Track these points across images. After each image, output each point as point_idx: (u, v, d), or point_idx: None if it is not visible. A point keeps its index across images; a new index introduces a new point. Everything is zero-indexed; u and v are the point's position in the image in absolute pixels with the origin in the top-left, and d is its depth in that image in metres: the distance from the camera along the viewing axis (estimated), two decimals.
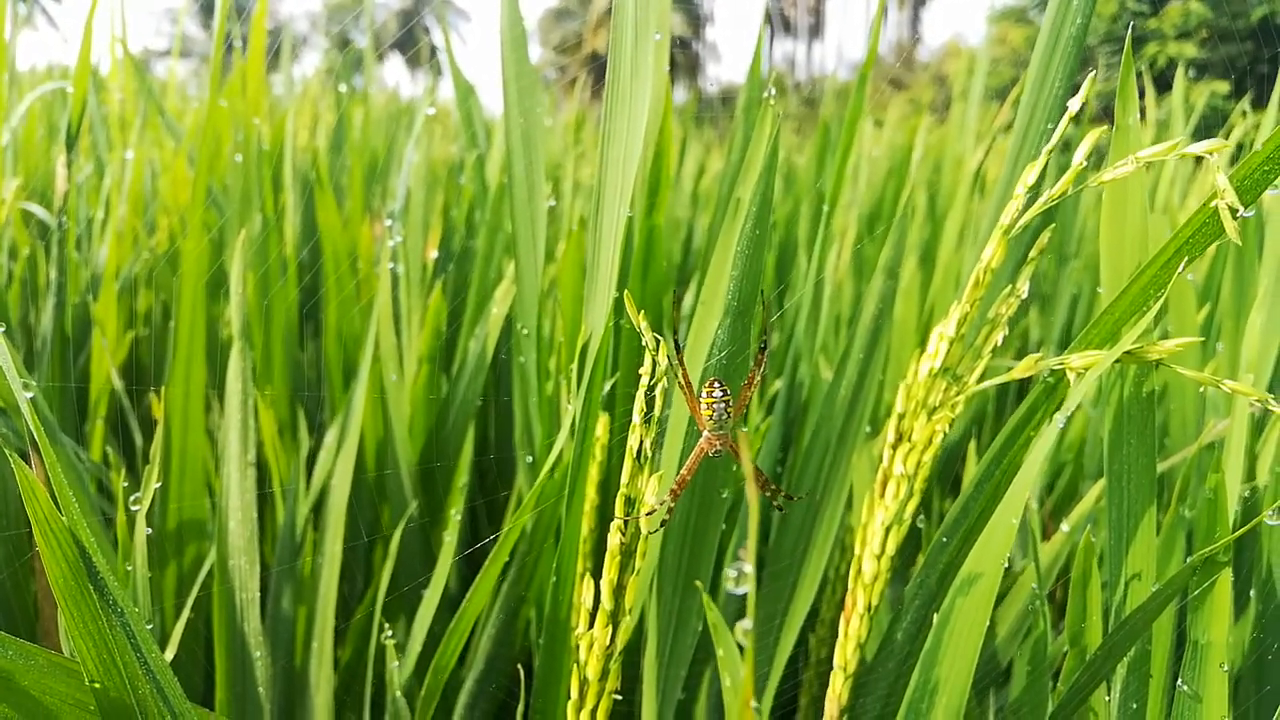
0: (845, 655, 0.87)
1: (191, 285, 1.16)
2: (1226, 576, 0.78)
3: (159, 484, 1.25)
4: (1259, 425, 1.42)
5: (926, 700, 0.79)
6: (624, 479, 0.73)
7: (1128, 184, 0.81)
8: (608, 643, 0.76)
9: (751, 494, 0.36)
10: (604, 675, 0.77)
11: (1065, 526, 1.19)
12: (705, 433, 0.68)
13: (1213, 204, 0.68)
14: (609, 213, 0.80)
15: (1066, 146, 1.48)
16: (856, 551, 0.85)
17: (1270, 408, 0.68)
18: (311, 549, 1.28)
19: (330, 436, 1.41)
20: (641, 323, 0.67)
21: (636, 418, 0.71)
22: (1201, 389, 1.29)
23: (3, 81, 1.71)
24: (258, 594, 1.06)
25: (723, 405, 0.66)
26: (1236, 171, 0.69)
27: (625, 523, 0.73)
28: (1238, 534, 0.76)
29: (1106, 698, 0.89)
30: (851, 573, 0.86)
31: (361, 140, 2.82)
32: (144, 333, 2.04)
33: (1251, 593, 1.26)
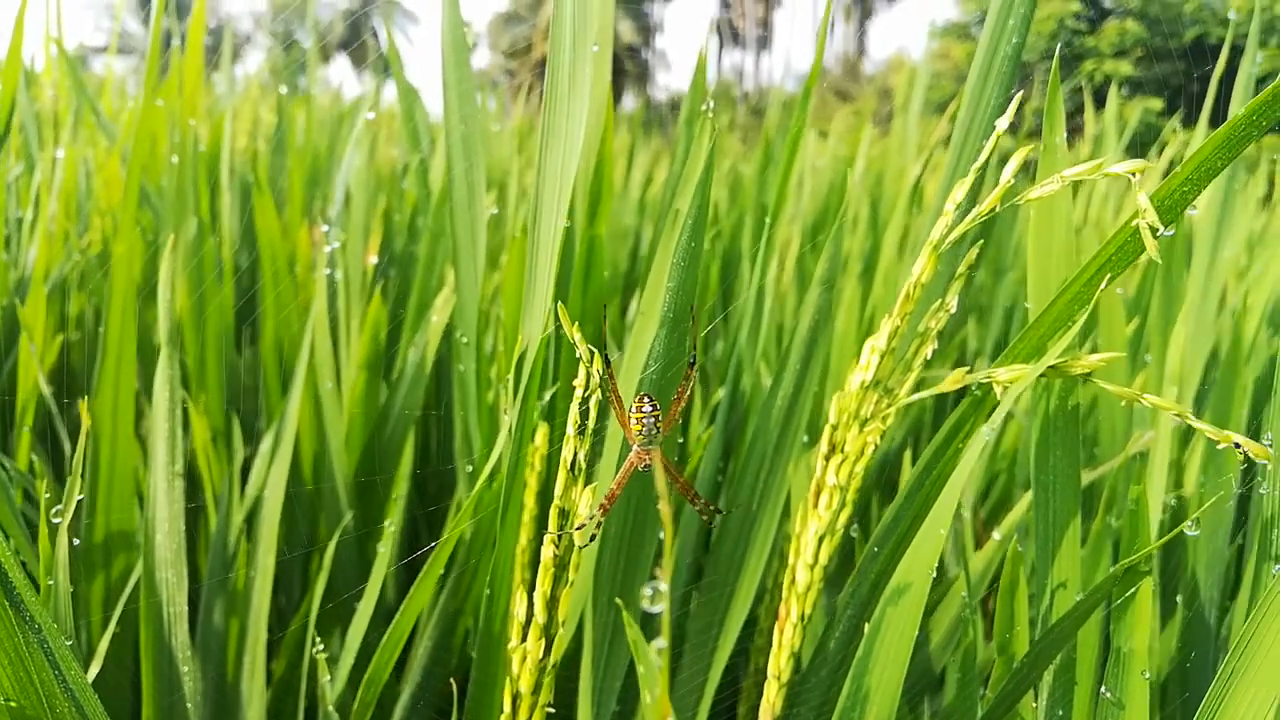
0: (779, 664, 0.88)
1: (121, 288, 1.13)
2: (1148, 585, 0.79)
3: (84, 495, 1.21)
4: (1185, 437, 1.47)
5: (858, 709, 0.80)
6: (558, 491, 0.73)
7: (1054, 201, 0.83)
8: (540, 656, 0.76)
9: (665, 513, 0.36)
10: (536, 688, 0.76)
11: (997, 535, 1.21)
12: (635, 447, 0.68)
13: (1134, 223, 0.70)
14: (546, 221, 0.80)
15: (1004, 162, 1.51)
16: (790, 561, 0.86)
17: (1189, 422, 0.70)
18: (245, 561, 1.25)
19: (265, 445, 1.39)
20: (575, 334, 0.67)
21: (571, 429, 0.71)
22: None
23: None
24: (185, 608, 1.03)
25: (652, 420, 0.66)
26: (1158, 191, 0.70)
27: (559, 536, 0.73)
28: (1159, 544, 0.78)
29: (1034, 704, 0.91)
30: (785, 582, 0.86)
31: (304, 143, 2.78)
32: (75, 337, 1.99)
33: (1178, 599, 1.29)
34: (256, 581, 1.23)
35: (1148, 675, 0.80)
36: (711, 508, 0.76)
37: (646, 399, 0.67)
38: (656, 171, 3.90)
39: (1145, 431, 1.21)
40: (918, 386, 0.84)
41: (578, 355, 0.67)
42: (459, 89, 1.12)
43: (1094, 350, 1.57)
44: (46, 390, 1.70)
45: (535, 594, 0.74)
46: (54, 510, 0.81)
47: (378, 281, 1.52)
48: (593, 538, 0.67)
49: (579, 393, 0.69)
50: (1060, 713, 0.86)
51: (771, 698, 0.88)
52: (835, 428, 0.84)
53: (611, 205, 1.07)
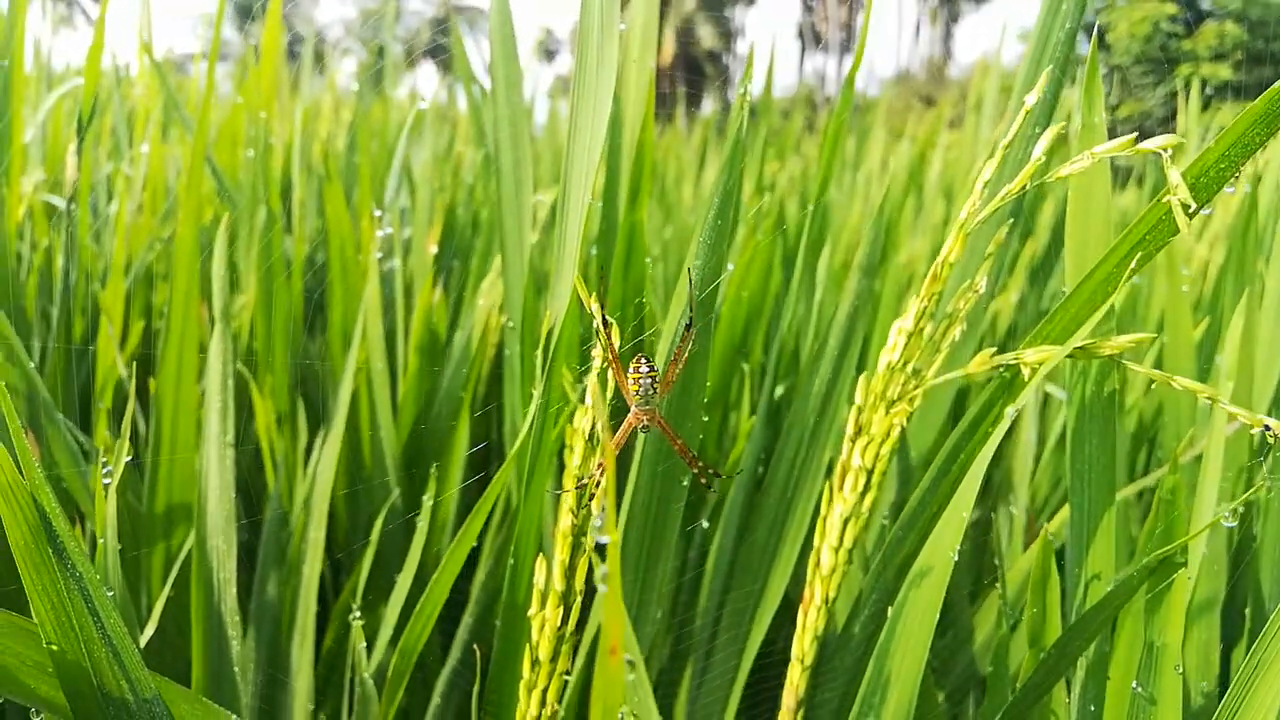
0: (802, 647, 0.87)
1: (185, 270, 1.18)
2: (1183, 579, 0.77)
3: (148, 467, 1.27)
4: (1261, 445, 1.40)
5: (879, 694, 0.79)
6: (576, 461, 0.74)
7: (1092, 181, 0.81)
8: (559, 623, 0.77)
9: (609, 453, 0.37)
10: (555, 655, 0.77)
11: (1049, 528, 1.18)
12: (633, 407, 0.69)
13: (1165, 199, 0.68)
14: (574, 201, 0.81)
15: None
16: (815, 544, 0.86)
17: (1220, 405, 0.68)
18: (299, 535, 1.30)
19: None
20: (593, 305, 0.68)
21: (589, 400, 0.72)
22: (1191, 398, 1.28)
23: (19, 79, 1.75)
24: (234, 574, 1.07)
25: (649, 381, 0.67)
26: (1191, 168, 0.68)
27: (577, 505, 0.74)
28: (1193, 536, 0.76)
29: (1067, 700, 0.88)
30: (810, 565, 0.86)
31: (379, 139, 2.87)
32: (159, 324, 2.08)
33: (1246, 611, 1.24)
34: (307, 554, 1.27)
35: (1180, 670, 0.77)
36: (711, 471, 0.76)
37: (644, 361, 0.67)
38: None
39: (1230, 424, 1.16)
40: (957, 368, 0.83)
41: (593, 327, 0.68)
42: (507, 83, 1.15)
43: (1160, 350, 1.52)
44: (124, 372, 1.78)
45: (554, 562, 0.76)
46: (105, 471, 0.85)
47: (440, 271, 1.56)
48: (591, 497, 0.68)
49: (596, 363, 0.70)
50: (1092, 709, 0.84)
51: (795, 680, 0.88)
52: (861, 409, 0.83)
53: (651, 192, 1.08)
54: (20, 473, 0.68)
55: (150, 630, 1.13)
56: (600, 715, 0.34)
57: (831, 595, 0.86)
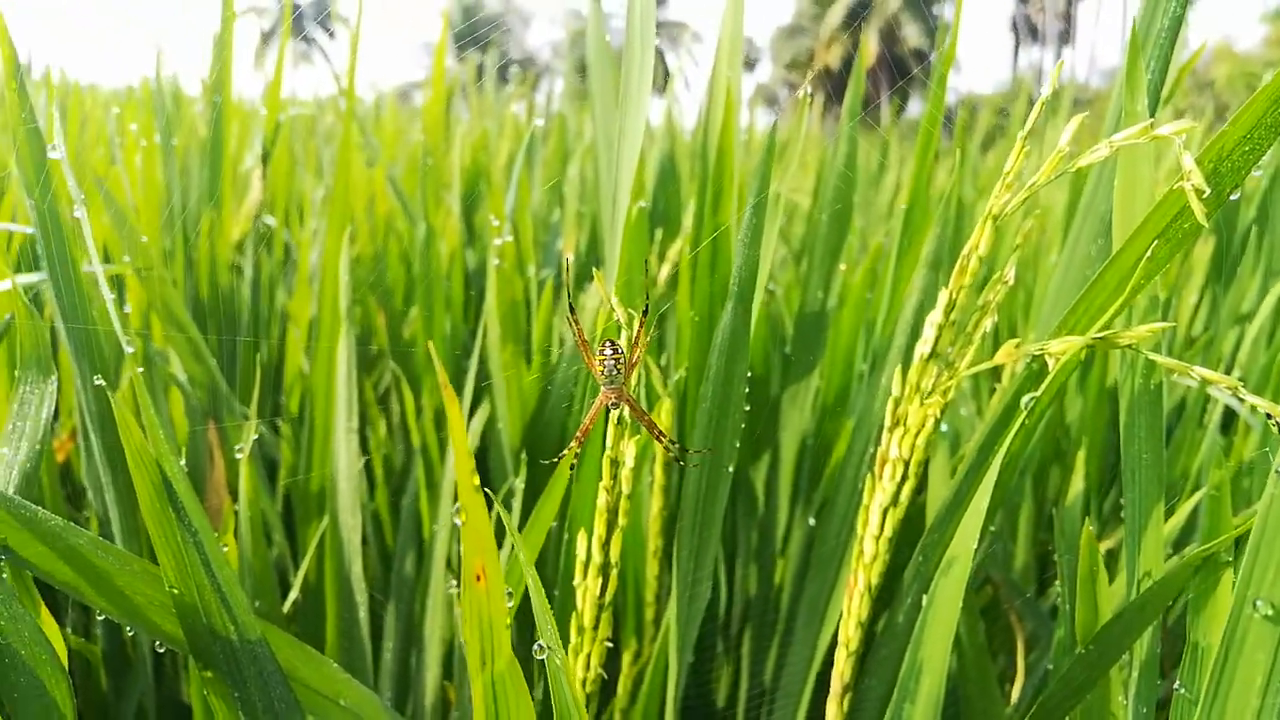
0: (848, 633, 0.90)
1: (332, 273, 1.34)
2: (1228, 577, 0.74)
3: (303, 453, 1.44)
4: None
5: (914, 680, 0.81)
6: (609, 443, 0.80)
7: (1136, 169, 0.80)
8: (598, 593, 0.83)
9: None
10: (596, 623, 0.84)
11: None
12: (603, 387, 0.74)
13: (1178, 185, 0.67)
14: (620, 205, 0.87)
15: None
16: (858, 532, 0.88)
17: (1241, 395, 0.66)
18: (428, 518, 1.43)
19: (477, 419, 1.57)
20: (613, 298, 0.74)
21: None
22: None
23: (228, 113, 2.00)
24: (359, 545, 1.21)
25: (613, 362, 0.72)
26: (1206, 152, 0.67)
27: (613, 483, 0.80)
28: (1236, 532, 0.73)
29: (1123, 700, 0.86)
30: (853, 553, 0.88)
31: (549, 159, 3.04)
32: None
33: None
34: (439, 534, 1.39)
35: None
36: (677, 445, 0.80)
37: (609, 344, 0.73)
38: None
39: None
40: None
41: (616, 319, 0.75)
42: (603, 98, 1.23)
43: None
44: (306, 369, 2.00)
45: (593, 537, 0.82)
46: (236, 447, 0.99)
47: (573, 277, 1.66)
48: (573, 467, 0.74)
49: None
50: (1144, 710, 0.81)
51: (841, 665, 0.90)
52: (898, 401, 0.85)
53: (733, 194, 1.13)
54: (148, 442, 0.81)
55: (293, 596, 1.29)
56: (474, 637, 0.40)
57: (874, 582, 0.88)
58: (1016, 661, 1.43)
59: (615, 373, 0.72)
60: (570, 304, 0.72)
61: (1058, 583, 0.91)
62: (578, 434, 0.75)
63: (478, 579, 0.40)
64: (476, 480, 0.41)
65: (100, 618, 1.40)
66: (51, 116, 0.95)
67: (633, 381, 0.73)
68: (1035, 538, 1.72)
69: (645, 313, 0.72)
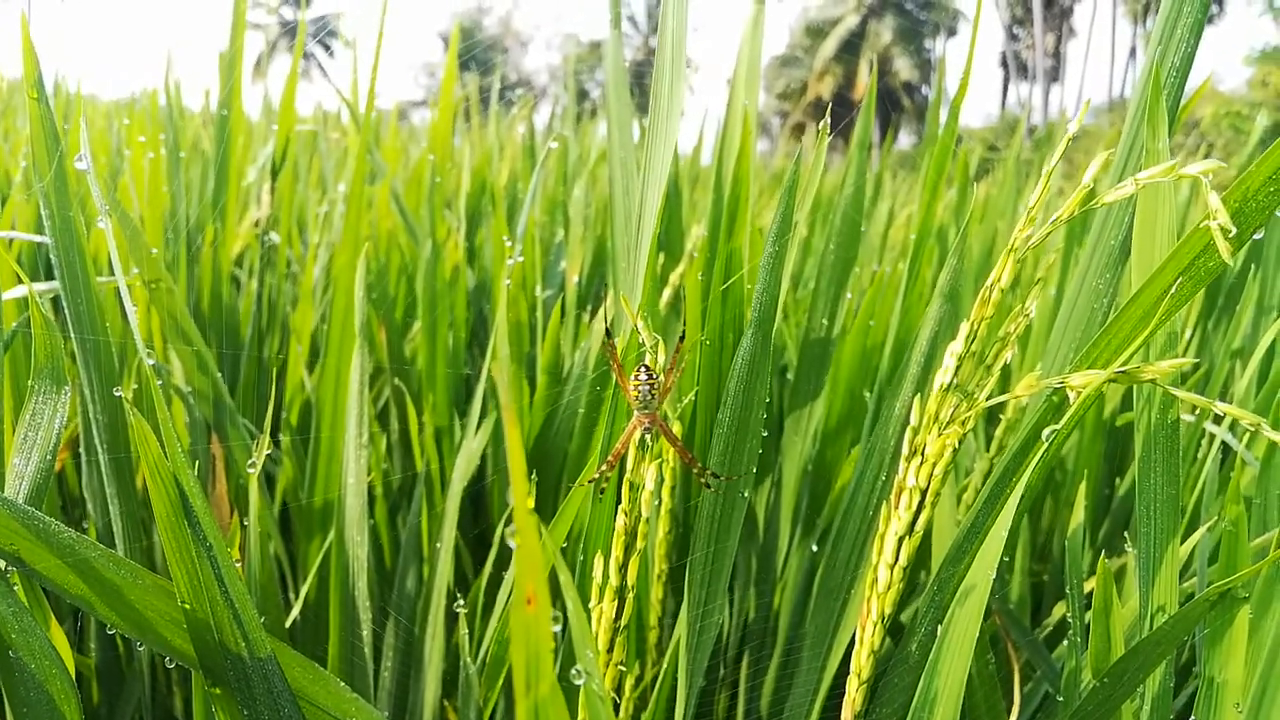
0: (860, 662, 0.90)
1: (344, 291, 1.34)
2: (1244, 612, 0.75)
3: (307, 469, 1.43)
4: None
5: (927, 710, 0.81)
6: (629, 466, 0.81)
7: (1157, 205, 0.81)
8: (614, 616, 0.83)
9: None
10: (611, 646, 0.84)
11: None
12: (635, 412, 0.74)
13: (1204, 224, 0.68)
14: (645, 232, 0.88)
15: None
16: (872, 560, 0.88)
17: (1264, 432, 0.67)
18: (429, 536, 1.42)
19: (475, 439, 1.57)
20: (638, 321, 0.75)
21: (635, 410, 0.78)
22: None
23: (237, 128, 2.00)
24: (366, 561, 1.20)
25: (647, 388, 0.73)
26: (1233, 191, 0.68)
27: (631, 506, 0.80)
28: (1257, 568, 0.73)
29: None
30: (866, 581, 0.89)
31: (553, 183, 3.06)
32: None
33: None
34: (441, 553, 1.39)
35: (1241, 709, 0.75)
36: (710, 472, 0.80)
37: (643, 369, 0.73)
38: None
39: None
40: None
41: (640, 341, 0.75)
42: (619, 120, 1.24)
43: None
44: (309, 384, 1.99)
45: (610, 560, 0.82)
46: (249, 462, 0.99)
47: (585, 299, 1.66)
48: (601, 490, 0.74)
49: (644, 375, 0.76)
50: None
51: (852, 694, 0.90)
52: (916, 430, 0.85)
53: (748, 218, 1.13)
54: (165, 456, 0.81)
55: (296, 611, 1.28)
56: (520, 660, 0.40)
57: (887, 611, 0.88)
58: (1013, 692, 1.43)
59: (650, 398, 0.72)
60: (607, 329, 0.73)
61: (1057, 613, 0.91)
62: (609, 457, 0.76)
63: (528, 602, 0.40)
64: (531, 503, 0.41)
65: (98, 630, 1.38)
66: (78, 127, 0.95)
67: (664, 407, 0.73)
68: (1029, 568, 1.73)
69: (682, 339, 0.72)
